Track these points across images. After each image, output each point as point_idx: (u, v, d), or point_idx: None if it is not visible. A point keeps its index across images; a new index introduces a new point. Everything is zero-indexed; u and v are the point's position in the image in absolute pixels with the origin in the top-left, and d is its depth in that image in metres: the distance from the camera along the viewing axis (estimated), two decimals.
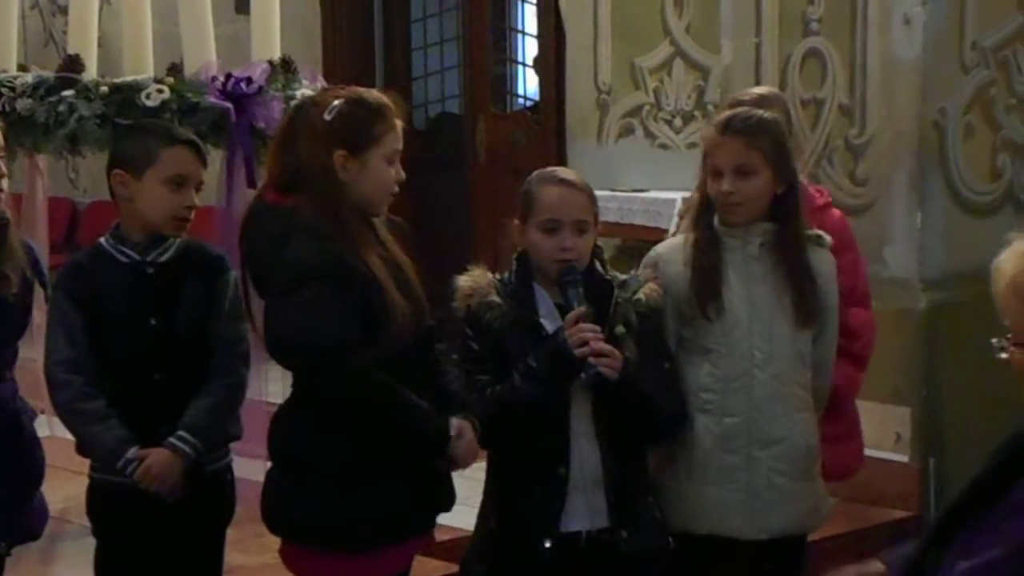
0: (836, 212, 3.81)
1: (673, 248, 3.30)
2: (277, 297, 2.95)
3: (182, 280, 3.30)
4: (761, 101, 3.72)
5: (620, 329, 3.06)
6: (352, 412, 2.91)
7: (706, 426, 3.19)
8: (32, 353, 3.60)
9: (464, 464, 3.02)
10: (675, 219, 3.48)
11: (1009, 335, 2.37)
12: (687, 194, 3.68)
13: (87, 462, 3.36)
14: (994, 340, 2.39)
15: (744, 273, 3.20)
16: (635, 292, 3.11)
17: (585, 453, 3.04)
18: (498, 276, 3.11)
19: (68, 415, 3.25)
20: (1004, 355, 2.39)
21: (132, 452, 3.19)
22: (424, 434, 2.96)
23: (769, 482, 3.19)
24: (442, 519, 3.15)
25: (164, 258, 3.30)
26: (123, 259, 3.29)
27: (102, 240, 3.34)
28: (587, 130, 6.57)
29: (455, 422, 2.97)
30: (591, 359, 2.95)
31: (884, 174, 5.40)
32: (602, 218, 6.19)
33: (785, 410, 3.21)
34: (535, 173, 3.18)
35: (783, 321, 3.20)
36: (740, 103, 3.71)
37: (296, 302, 2.87)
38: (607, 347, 2.98)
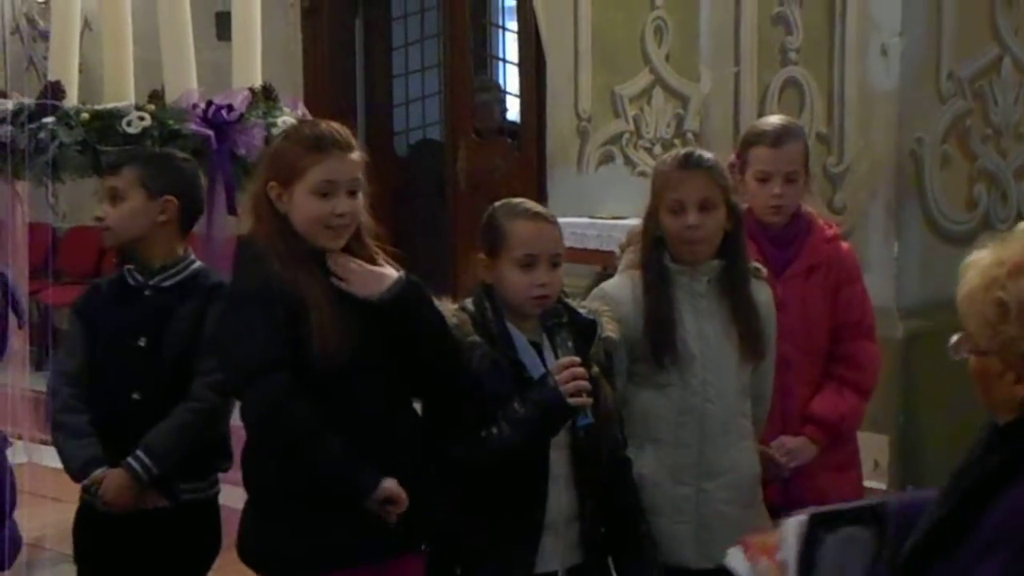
0: (845, 245, 3.78)
1: (620, 287, 3.23)
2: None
3: (176, 303, 3.32)
4: (783, 131, 3.58)
5: (595, 370, 2.95)
6: (270, 440, 2.84)
7: (658, 458, 3.18)
8: (3, 379, 3.62)
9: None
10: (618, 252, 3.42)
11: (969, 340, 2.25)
12: None
13: (63, 488, 3.36)
14: (955, 337, 2.27)
15: (694, 310, 3.20)
16: (604, 330, 3.02)
17: (563, 496, 2.93)
18: (458, 307, 2.98)
19: (52, 424, 3.31)
20: (964, 355, 2.27)
21: (97, 472, 3.20)
22: (339, 485, 2.81)
23: (717, 512, 3.19)
24: None
25: (168, 283, 3.33)
26: (130, 282, 3.38)
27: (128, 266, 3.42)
28: (567, 157, 6.59)
29: (386, 486, 2.80)
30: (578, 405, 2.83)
31: (861, 203, 5.43)
32: (582, 245, 6.19)
33: (733, 440, 3.23)
34: (499, 205, 3.04)
35: (731, 355, 3.21)
36: (762, 132, 3.59)
37: (222, 326, 2.94)
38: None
